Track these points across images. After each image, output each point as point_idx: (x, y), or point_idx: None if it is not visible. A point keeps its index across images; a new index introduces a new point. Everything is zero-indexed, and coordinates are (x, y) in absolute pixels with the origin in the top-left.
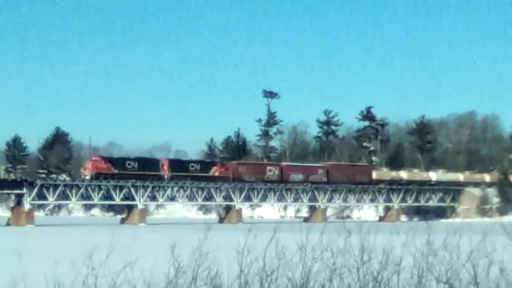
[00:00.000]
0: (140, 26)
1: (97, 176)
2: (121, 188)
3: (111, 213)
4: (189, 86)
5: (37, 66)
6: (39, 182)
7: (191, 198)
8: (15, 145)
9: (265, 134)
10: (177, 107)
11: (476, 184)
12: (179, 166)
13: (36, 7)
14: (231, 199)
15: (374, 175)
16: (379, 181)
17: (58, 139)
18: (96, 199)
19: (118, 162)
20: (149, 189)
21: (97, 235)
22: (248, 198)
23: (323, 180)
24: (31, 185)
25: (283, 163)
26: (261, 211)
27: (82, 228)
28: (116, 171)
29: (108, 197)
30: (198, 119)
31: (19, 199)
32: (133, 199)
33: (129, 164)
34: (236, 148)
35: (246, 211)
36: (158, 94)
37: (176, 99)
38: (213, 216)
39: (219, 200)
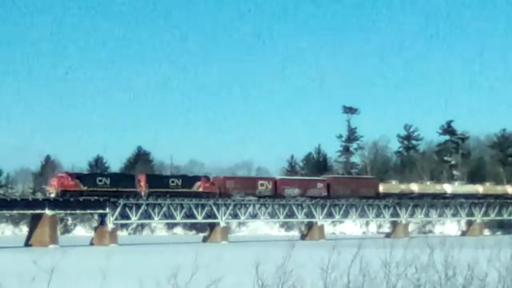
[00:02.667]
0: (214, 46)
1: (63, 193)
2: (203, 206)
3: (194, 232)
4: (269, 103)
5: (117, 86)
6: (121, 202)
7: (272, 215)
8: (97, 165)
9: (346, 150)
10: (257, 124)
11: None
12: (157, 181)
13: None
14: (312, 216)
15: (381, 188)
16: (386, 195)
17: (140, 159)
18: (178, 217)
19: (87, 178)
20: (230, 207)
21: (180, 253)
22: (329, 215)
23: (323, 195)
24: (114, 205)
25: (277, 177)
26: (343, 227)
27: (165, 247)
28: (85, 188)
29: (190, 215)
30: (279, 136)
31: (102, 218)
32: (215, 217)
33: (100, 181)
34: (317, 164)
35: (328, 227)
36: (239, 112)
37: (257, 116)
38: (295, 233)
39: (300, 217)
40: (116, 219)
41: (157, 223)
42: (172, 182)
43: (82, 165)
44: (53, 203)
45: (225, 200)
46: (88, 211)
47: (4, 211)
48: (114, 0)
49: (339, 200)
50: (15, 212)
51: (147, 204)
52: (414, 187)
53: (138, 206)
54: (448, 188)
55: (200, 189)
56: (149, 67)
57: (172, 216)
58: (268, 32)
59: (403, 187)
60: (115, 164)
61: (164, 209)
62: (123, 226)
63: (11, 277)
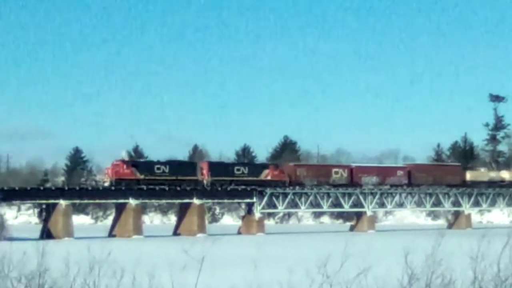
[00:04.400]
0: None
1: (118, 182)
2: (350, 195)
3: (340, 220)
4: (415, 91)
5: (263, 76)
6: (268, 191)
7: (419, 204)
8: (244, 154)
9: (493, 139)
10: (405, 112)
11: None
12: (221, 169)
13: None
14: (459, 205)
15: (468, 176)
16: (473, 183)
17: (287, 148)
18: (325, 206)
19: (144, 167)
20: (377, 196)
21: (328, 242)
22: (477, 203)
23: (403, 183)
24: (261, 194)
25: (353, 164)
26: (490, 216)
27: (312, 236)
28: (142, 177)
29: (337, 204)
30: (426, 124)
31: (249, 208)
32: (361, 206)
33: (158, 169)
34: (464, 153)
35: (475, 216)
36: (385, 100)
37: (401, 104)
38: (442, 222)
39: (447, 206)
40: (263, 208)
41: (304, 212)
42: (238, 170)
43: (229, 155)
44: (201, 192)
45: (372, 189)
46: (236, 200)
47: (153, 201)
48: None
49: (479, 189)
50: (163, 201)
51: (294, 193)
52: (505, 175)
53: (285, 195)
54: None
55: (268, 177)
56: (298, 58)
57: (318, 205)
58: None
59: (492, 174)
60: (262, 154)
61: (311, 198)
62: (270, 215)
63: (162, 265)
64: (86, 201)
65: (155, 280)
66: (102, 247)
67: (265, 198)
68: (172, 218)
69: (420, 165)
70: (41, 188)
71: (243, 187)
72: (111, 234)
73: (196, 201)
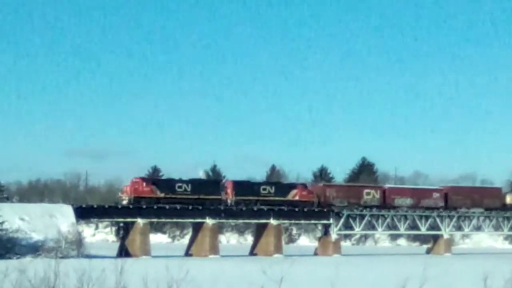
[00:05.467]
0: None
1: (137, 200)
2: (427, 218)
3: (417, 243)
4: (495, 112)
5: (338, 97)
6: (345, 213)
7: (497, 228)
8: (322, 175)
9: None
10: (483, 135)
11: None
12: (246, 189)
13: None
14: None
15: (508, 199)
16: None
17: (364, 170)
18: (402, 229)
19: (165, 185)
20: (454, 219)
21: (405, 265)
22: None
23: (439, 205)
24: (338, 215)
25: (386, 186)
26: None
27: (389, 258)
28: (162, 195)
29: (414, 227)
30: (506, 147)
31: (326, 229)
32: (438, 228)
33: (179, 187)
34: None
35: None
36: (462, 123)
37: (480, 127)
38: None
39: None
40: (339, 229)
41: (381, 234)
42: (264, 189)
43: (307, 175)
44: (278, 213)
45: (449, 212)
46: (312, 221)
47: (230, 221)
48: None
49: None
50: (240, 221)
51: (371, 215)
52: None
53: (362, 217)
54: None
55: (296, 198)
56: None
57: (395, 227)
58: None
59: None
60: (339, 175)
61: (388, 220)
62: (347, 236)
63: (239, 285)
64: (163, 220)
65: None
66: (180, 266)
67: (342, 220)
68: (249, 238)
69: (457, 187)
70: (119, 206)
71: (320, 208)
72: (187, 253)
73: (272, 222)
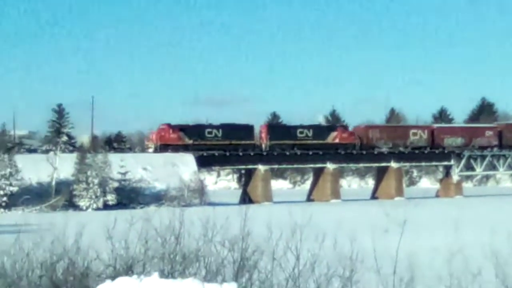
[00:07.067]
0: None
1: (163, 148)
2: None
3: None
4: None
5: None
6: (466, 154)
7: None
8: (441, 117)
9: None
10: None
11: None
12: (281, 132)
13: None
14: None
15: None
16: None
17: (484, 110)
18: None
19: (194, 131)
20: None
21: None
22: None
23: (493, 144)
24: (459, 157)
25: (434, 125)
26: None
27: (510, 198)
28: (191, 142)
29: None
30: None
31: (447, 170)
32: None
33: (209, 133)
34: None
35: None
36: None
37: None
38: None
39: None
40: (461, 170)
41: (502, 174)
42: (301, 133)
43: (426, 118)
44: (398, 156)
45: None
46: (433, 163)
47: (351, 165)
48: None
49: None
50: (361, 165)
51: (492, 156)
52: None
53: (483, 158)
54: None
55: (336, 140)
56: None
57: None
58: None
59: None
60: (460, 116)
61: (509, 160)
62: (468, 177)
63: (363, 229)
64: (284, 166)
65: (356, 243)
66: (303, 211)
67: (463, 161)
68: (370, 182)
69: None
70: (240, 153)
71: (442, 149)
72: (309, 199)
73: (393, 165)
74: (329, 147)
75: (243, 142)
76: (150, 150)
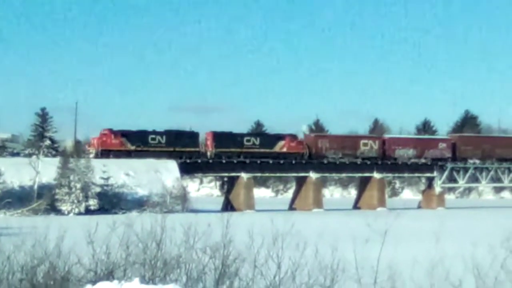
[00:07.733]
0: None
1: (104, 153)
2: None
3: None
4: None
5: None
6: (449, 166)
7: None
8: (425, 128)
9: None
10: None
11: None
12: (227, 140)
13: None
14: None
15: None
16: None
17: (468, 122)
18: (506, 181)
19: (136, 137)
20: None
21: (510, 218)
22: None
23: (446, 156)
24: (441, 168)
25: (386, 136)
26: None
27: (493, 210)
28: (133, 148)
29: None
30: None
31: (430, 182)
32: None
33: (153, 139)
34: None
35: None
36: None
37: None
38: None
39: None
40: (443, 182)
41: (484, 187)
42: (248, 141)
43: (410, 129)
44: (381, 167)
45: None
46: (416, 175)
47: (333, 174)
48: None
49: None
50: (343, 175)
51: (475, 168)
52: None
53: (466, 170)
54: None
55: (284, 149)
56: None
57: (499, 180)
58: None
59: None
60: (443, 128)
61: (492, 173)
62: (450, 189)
63: (344, 238)
64: (267, 174)
65: (338, 252)
66: (285, 219)
67: (446, 173)
68: (352, 192)
69: (467, 136)
70: (223, 161)
71: (423, 161)
72: (291, 207)
73: (376, 175)
74: (277, 156)
75: (187, 149)
76: (91, 155)
